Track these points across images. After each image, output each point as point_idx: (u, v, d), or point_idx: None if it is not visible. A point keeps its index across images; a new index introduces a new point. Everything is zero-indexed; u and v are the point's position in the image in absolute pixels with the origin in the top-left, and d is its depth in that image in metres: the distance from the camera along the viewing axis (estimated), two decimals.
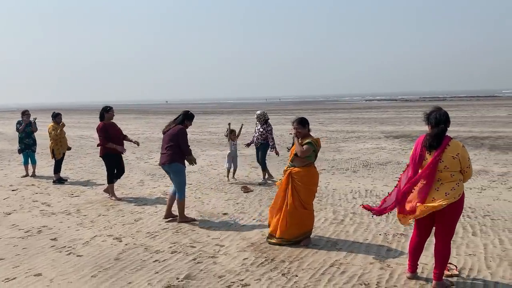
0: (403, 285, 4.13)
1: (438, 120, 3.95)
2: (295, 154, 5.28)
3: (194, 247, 5.29)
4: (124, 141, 8.08)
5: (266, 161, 9.30)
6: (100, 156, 7.96)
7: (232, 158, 9.35)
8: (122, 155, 7.98)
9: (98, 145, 7.87)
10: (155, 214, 6.78)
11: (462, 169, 3.92)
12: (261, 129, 9.23)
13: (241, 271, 4.53)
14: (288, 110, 47.75)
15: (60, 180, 9.45)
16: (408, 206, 4.07)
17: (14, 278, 4.45)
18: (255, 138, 9.33)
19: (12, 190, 8.78)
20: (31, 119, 10.33)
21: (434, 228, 4.12)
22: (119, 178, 8.11)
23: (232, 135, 9.48)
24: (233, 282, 4.27)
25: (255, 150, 9.53)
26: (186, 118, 6.45)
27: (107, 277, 4.45)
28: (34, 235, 5.84)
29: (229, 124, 9.86)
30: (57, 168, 9.52)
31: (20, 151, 10.33)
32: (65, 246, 5.38)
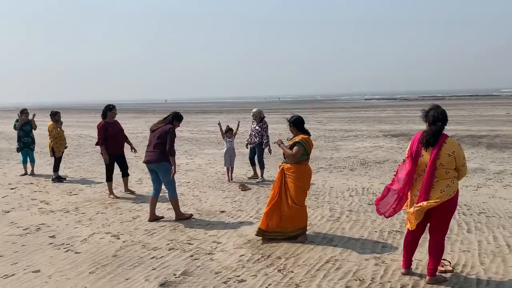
0: (397, 281, 4.19)
1: (436, 118, 3.98)
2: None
3: (191, 244, 5.34)
4: (124, 142, 8.18)
5: (264, 159, 9.29)
6: (100, 153, 8.03)
7: (230, 157, 9.25)
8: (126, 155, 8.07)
9: (96, 144, 7.95)
10: None
11: (457, 167, 3.97)
12: (257, 127, 9.17)
13: (237, 267, 4.58)
14: (288, 110, 47.76)
15: (59, 179, 9.50)
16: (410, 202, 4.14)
17: (13, 275, 4.50)
18: (252, 137, 9.25)
19: (11, 189, 8.82)
20: (30, 116, 10.38)
21: (428, 224, 4.18)
22: (128, 175, 8.25)
23: (228, 133, 9.45)
24: (230, 278, 4.32)
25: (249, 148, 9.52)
26: (175, 118, 6.48)
27: (105, 273, 4.50)
28: (33, 233, 5.88)
29: (219, 123, 9.89)
30: (56, 167, 9.57)
31: (18, 150, 10.36)
32: (63, 243, 5.42)
